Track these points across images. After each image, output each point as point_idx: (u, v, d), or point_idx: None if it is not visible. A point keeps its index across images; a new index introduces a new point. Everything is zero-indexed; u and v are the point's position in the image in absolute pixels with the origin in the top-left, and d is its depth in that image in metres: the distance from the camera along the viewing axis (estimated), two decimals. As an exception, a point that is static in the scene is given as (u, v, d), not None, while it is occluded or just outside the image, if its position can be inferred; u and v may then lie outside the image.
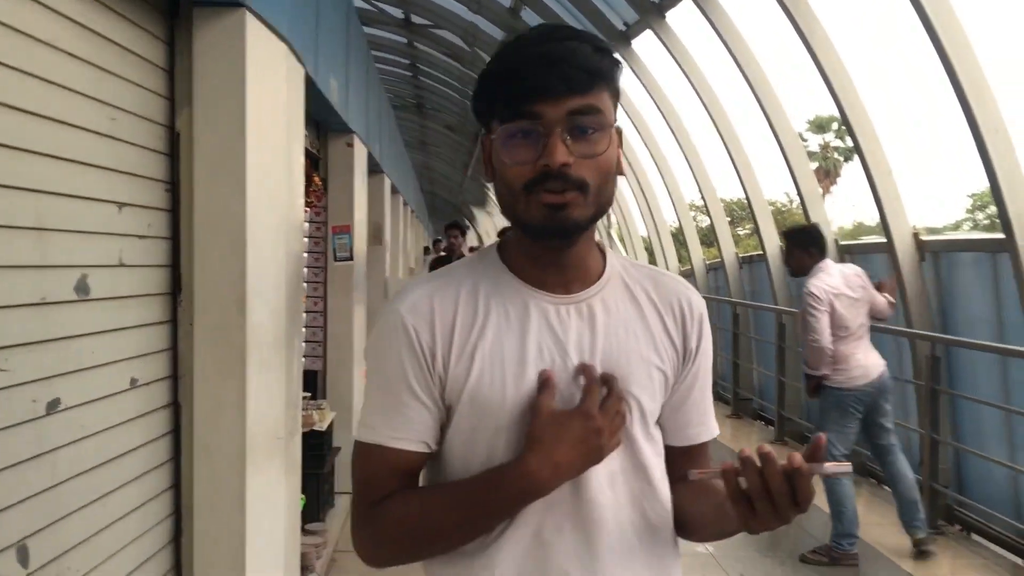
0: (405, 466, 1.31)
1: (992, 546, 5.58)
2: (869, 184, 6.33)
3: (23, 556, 2.03)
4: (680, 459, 1.41)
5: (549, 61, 1.21)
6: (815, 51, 6.27)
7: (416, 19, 13.23)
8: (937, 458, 5.75)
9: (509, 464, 1.23)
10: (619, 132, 1.29)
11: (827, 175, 60.14)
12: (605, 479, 1.29)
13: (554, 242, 1.28)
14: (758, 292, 10.06)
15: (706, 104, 8.84)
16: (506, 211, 1.30)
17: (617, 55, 1.29)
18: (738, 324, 9.94)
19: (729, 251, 10.38)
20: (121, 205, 2.53)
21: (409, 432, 1.30)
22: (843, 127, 57.18)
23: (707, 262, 12.03)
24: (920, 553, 5.18)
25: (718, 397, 10.23)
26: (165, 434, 2.86)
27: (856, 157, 6.37)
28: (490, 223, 35.22)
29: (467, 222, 40.98)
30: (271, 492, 3.26)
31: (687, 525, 1.39)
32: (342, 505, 5.73)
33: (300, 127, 3.79)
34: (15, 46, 2.00)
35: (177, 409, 2.91)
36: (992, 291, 5.75)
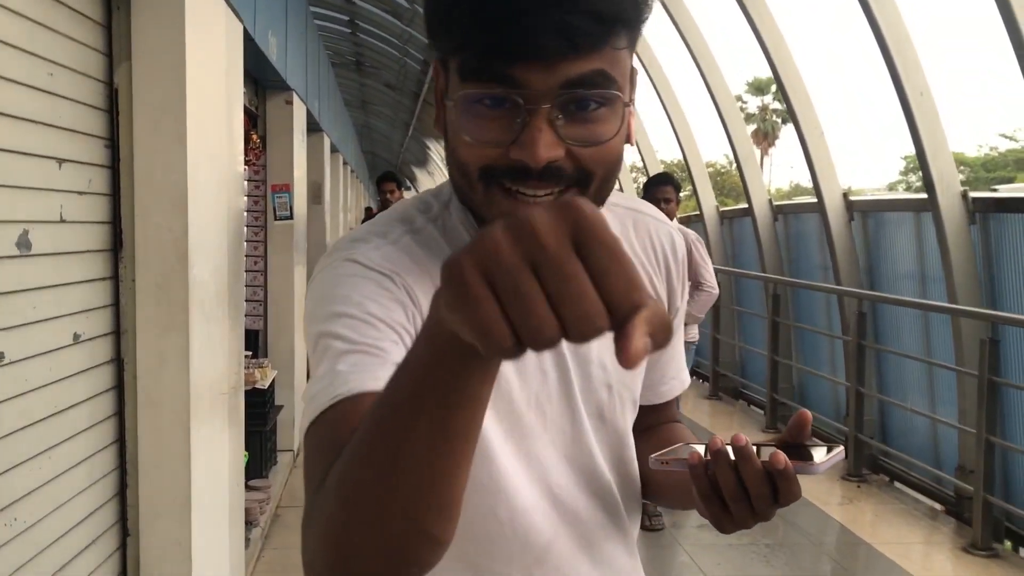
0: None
1: (913, 493, 5.86)
2: (801, 146, 6.50)
3: (-27, 505, 2.07)
4: (649, 414, 1.19)
5: (546, 2, 0.80)
6: (750, 13, 6.39)
7: (354, -26, 13.04)
8: (862, 410, 6.00)
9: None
10: (632, 101, 0.92)
11: (765, 137, 60.90)
12: (595, 416, 1.06)
13: None
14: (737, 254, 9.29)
15: (645, 65, 8.93)
16: (458, 192, 0.97)
17: None
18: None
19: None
20: (61, 161, 2.53)
21: (381, 358, 0.89)
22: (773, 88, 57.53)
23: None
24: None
25: (695, 375, 9.02)
26: (109, 389, 2.88)
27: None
28: (431, 183, 35.06)
29: (406, 180, 40.62)
30: (215, 446, 3.31)
31: (648, 488, 1.17)
32: (284, 462, 5.78)
33: (239, 83, 3.79)
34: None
35: (120, 364, 2.93)
36: (916, 249, 5.98)
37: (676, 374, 1.20)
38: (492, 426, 0.97)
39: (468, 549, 0.98)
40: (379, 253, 0.94)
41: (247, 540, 4.14)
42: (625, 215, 1.10)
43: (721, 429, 6.96)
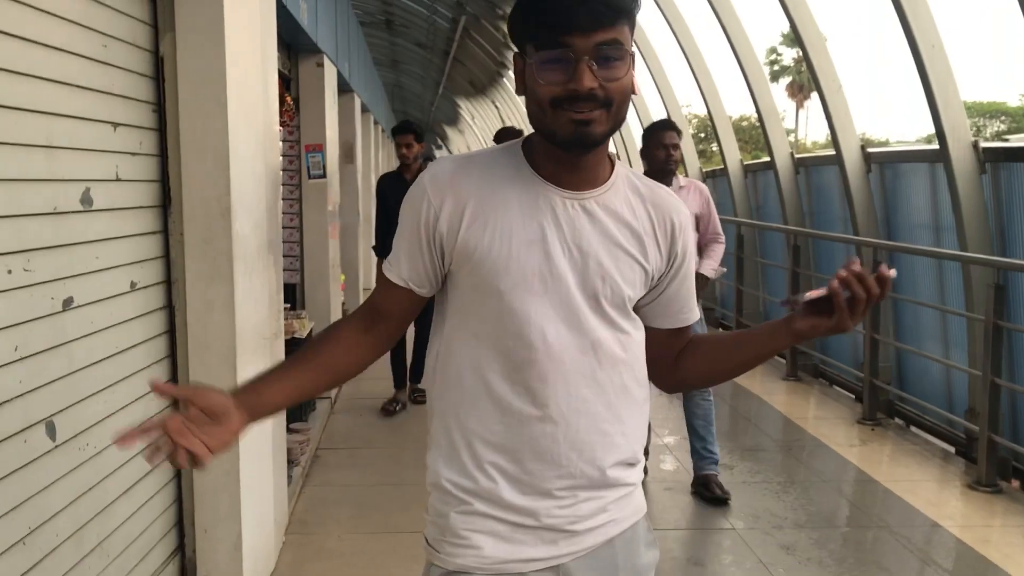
0: (391, 296, 1.60)
1: (927, 436, 6.06)
2: (820, 99, 6.62)
3: (51, 431, 2.35)
4: (672, 336, 1.69)
5: (582, 0, 1.39)
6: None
7: (383, -66, 13.13)
8: (878, 357, 6.18)
9: None
10: (633, 57, 1.48)
11: (800, 89, 60.13)
12: (590, 345, 1.53)
13: (577, 151, 1.48)
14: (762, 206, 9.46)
15: (669, 20, 9.03)
16: (535, 122, 1.49)
17: None
18: (743, 247, 8.97)
19: (696, 169, 10.65)
20: (116, 125, 2.79)
21: (397, 268, 1.58)
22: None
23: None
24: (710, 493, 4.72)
25: (718, 325, 9.69)
26: (162, 333, 3.17)
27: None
28: (462, 141, 35.13)
29: (434, 136, 40.45)
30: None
31: (708, 374, 1.73)
32: (322, 408, 6.10)
33: (273, 48, 4.02)
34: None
35: (172, 311, 3.21)
36: (930, 199, 6.11)
37: (686, 307, 1.68)
38: (504, 281, 1.50)
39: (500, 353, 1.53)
40: (439, 174, 1.55)
41: (289, 477, 4.44)
42: (645, 185, 1.61)
43: (743, 376, 7.14)
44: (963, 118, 5.29)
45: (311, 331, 5.68)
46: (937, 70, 5.19)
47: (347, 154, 8.01)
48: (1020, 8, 4.37)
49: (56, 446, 2.38)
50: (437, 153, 42.72)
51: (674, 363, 1.71)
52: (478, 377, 1.54)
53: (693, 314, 1.69)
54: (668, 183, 4.61)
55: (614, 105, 1.44)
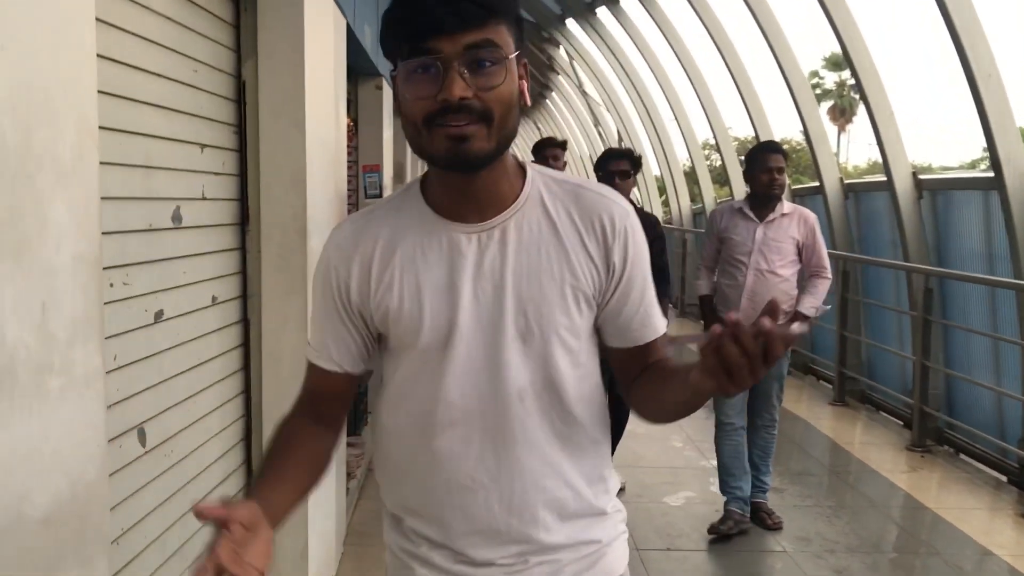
0: (327, 382, 1.49)
1: (977, 464, 6.02)
2: (872, 125, 6.64)
3: (143, 437, 2.47)
4: (632, 357, 1.48)
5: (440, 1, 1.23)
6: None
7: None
8: (927, 383, 6.17)
9: None
10: (524, 64, 1.33)
11: (842, 113, 59.75)
12: (514, 394, 1.37)
13: (460, 172, 1.32)
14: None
15: (717, 43, 9.10)
16: (413, 146, 1.33)
17: None
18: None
19: (742, 190, 10.69)
20: (203, 146, 2.92)
21: (326, 353, 1.46)
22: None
23: (718, 201, 12.35)
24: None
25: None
26: (237, 346, 3.29)
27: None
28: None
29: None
30: (325, 400, 3.70)
31: (651, 407, 1.47)
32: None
33: (343, 73, 4.16)
34: (122, 11, 2.36)
35: (247, 324, 3.33)
36: (984, 227, 6.10)
37: (643, 323, 1.46)
38: (418, 339, 1.39)
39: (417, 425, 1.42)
40: (337, 244, 1.46)
41: (347, 490, 4.54)
42: (568, 190, 1.42)
43: (790, 400, 7.15)
44: (1019, 146, 5.29)
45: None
46: (993, 99, 5.21)
47: (399, 174, 8.16)
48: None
49: (146, 452, 2.50)
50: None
51: (629, 387, 1.51)
52: (401, 445, 1.45)
53: (650, 330, 1.47)
54: (772, 208, 4.44)
55: (495, 118, 1.27)
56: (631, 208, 1.46)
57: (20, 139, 1.50)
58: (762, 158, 4.44)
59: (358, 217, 1.46)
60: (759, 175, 4.42)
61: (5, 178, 1.45)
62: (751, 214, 4.49)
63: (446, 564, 1.43)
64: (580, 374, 1.43)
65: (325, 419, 1.52)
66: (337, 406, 1.54)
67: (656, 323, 1.49)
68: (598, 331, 1.47)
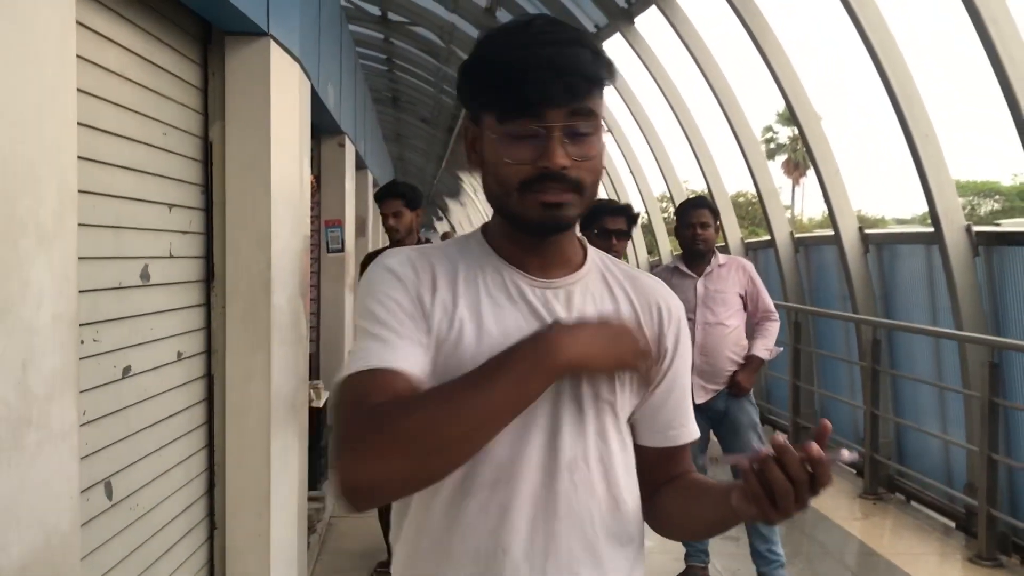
0: (402, 388, 1.20)
1: (927, 510, 6.18)
2: (819, 181, 6.90)
3: (109, 491, 2.52)
4: (661, 460, 1.42)
5: (556, 69, 1.22)
6: (766, 54, 6.82)
7: (393, 16, 13.64)
8: (878, 431, 6.34)
9: (534, 332, 1.22)
10: (602, 131, 1.34)
11: (796, 167, 61.04)
12: (565, 464, 1.28)
13: (546, 236, 1.32)
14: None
15: (669, 100, 9.38)
16: (496, 203, 1.31)
17: (608, 57, 1.33)
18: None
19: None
20: (171, 206, 3.01)
21: (407, 355, 1.23)
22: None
23: (673, 253, 12.61)
24: None
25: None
26: (201, 401, 3.34)
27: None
28: (463, 215, 35.60)
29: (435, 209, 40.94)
30: (288, 455, 3.76)
31: (675, 522, 1.42)
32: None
33: (308, 134, 4.28)
34: (97, 78, 2.47)
35: (211, 380, 3.39)
36: (927, 279, 6.34)
37: (682, 422, 1.43)
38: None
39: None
40: (400, 257, 1.34)
41: (308, 543, 4.57)
42: (624, 271, 1.43)
43: (746, 451, 7.26)
44: (956, 202, 5.55)
45: (326, 401, 5.84)
46: (930, 157, 5.46)
47: (360, 228, 8.27)
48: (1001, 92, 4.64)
49: (112, 505, 2.54)
50: (437, 225, 43.09)
51: (650, 496, 1.42)
52: (429, 501, 1.29)
53: (687, 432, 1.43)
54: (708, 261, 4.45)
55: (586, 189, 1.27)
56: (683, 305, 1.46)
57: (4, 206, 1.59)
58: (687, 214, 4.48)
59: (416, 249, 1.38)
60: (684, 230, 4.46)
61: (-9, 243, 1.54)
62: (688, 270, 4.49)
63: None
64: (627, 459, 1.37)
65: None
66: None
67: (692, 427, 1.44)
68: (632, 426, 1.41)
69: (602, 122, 1.30)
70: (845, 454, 1.12)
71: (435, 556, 1.30)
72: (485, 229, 1.40)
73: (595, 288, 1.38)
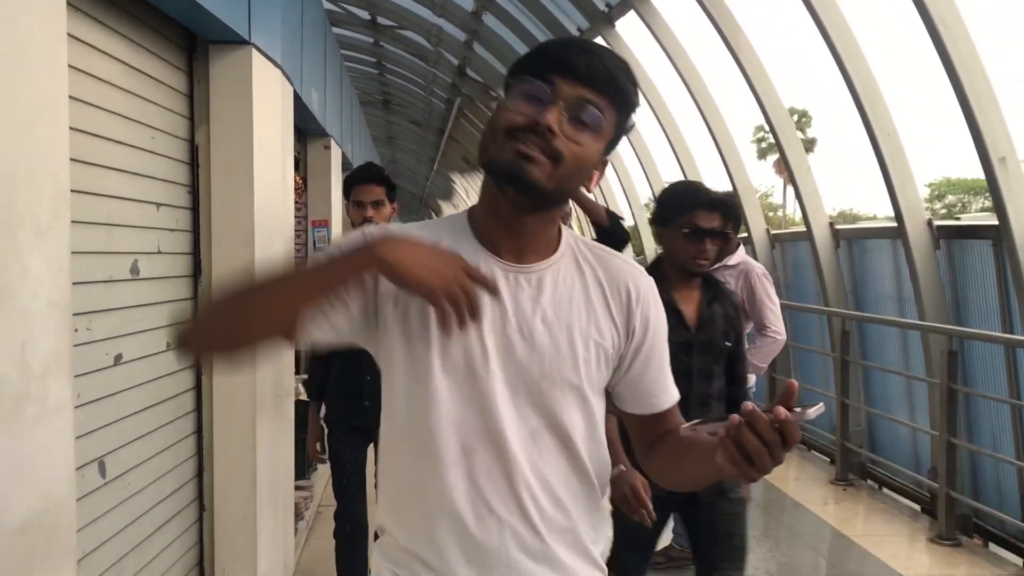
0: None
1: (897, 496, 6.39)
2: (791, 181, 7.11)
3: (102, 470, 2.71)
4: (649, 423, 1.54)
5: (585, 50, 1.33)
6: (742, 63, 7.04)
7: (382, 20, 13.83)
8: (848, 420, 6.55)
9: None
10: (605, 162, 1.41)
11: (786, 167, 61.33)
12: (527, 435, 1.40)
13: (509, 190, 1.34)
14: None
15: (651, 104, 9.59)
16: (481, 153, 1.36)
17: (639, 95, 1.42)
18: None
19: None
20: (159, 205, 3.21)
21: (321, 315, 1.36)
22: (803, 119, 57.73)
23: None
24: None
25: None
26: (189, 389, 3.54)
27: (814, 149, 7.11)
28: (456, 215, 35.73)
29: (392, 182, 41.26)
30: (274, 441, 3.95)
31: (669, 476, 1.53)
32: (323, 469, 6.41)
33: (291, 137, 4.48)
34: (88, 86, 2.66)
35: (199, 369, 3.58)
36: (893, 272, 6.56)
37: (662, 389, 1.53)
38: (437, 362, 1.38)
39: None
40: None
41: (296, 529, 4.76)
42: (597, 255, 1.49)
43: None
44: (918, 198, 5.76)
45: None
46: (893, 156, 5.67)
47: (347, 229, 8.46)
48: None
49: (105, 483, 2.74)
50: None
51: (646, 453, 1.57)
52: (410, 468, 1.43)
53: (668, 397, 1.54)
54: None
55: (563, 164, 1.31)
56: (653, 282, 1.52)
57: (5, 202, 1.79)
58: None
59: (409, 225, 1.51)
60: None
61: (-7, 235, 1.74)
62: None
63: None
64: (591, 431, 1.45)
65: None
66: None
67: (672, 391, 1.55)
68: (612, 397, 1.52)
69: (605, 136, 1.36)
70: (811, 412, 1.20)
71: (417, 516, 1.42)
72: (471, 212, 1.47)
73: (566, 272, 1.44)
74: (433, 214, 43.11)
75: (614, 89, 1.34)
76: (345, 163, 7.88)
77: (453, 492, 1.38)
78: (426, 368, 1.38)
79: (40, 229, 1.92)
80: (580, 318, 1.42)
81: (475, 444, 1.38)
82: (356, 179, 3.78)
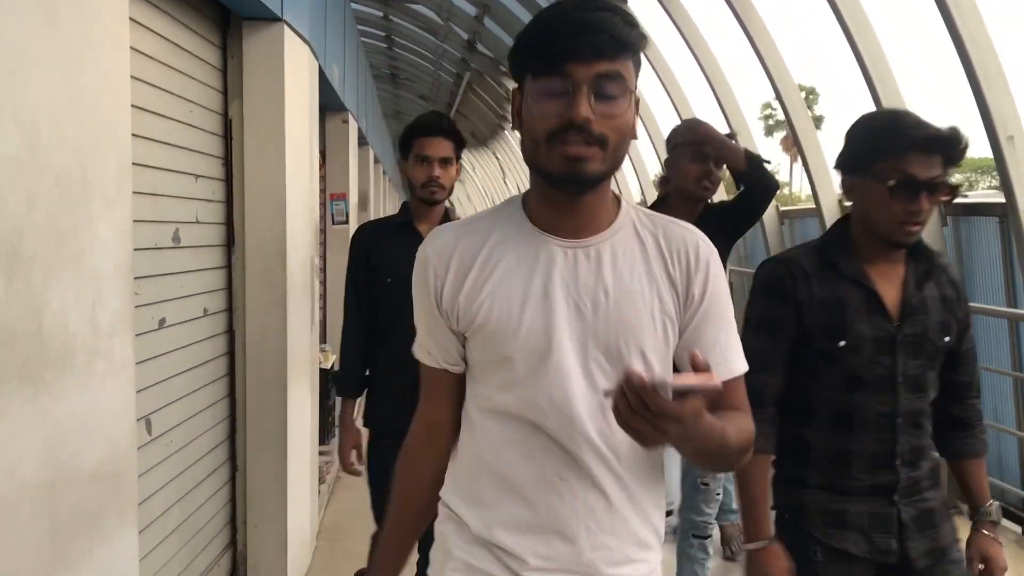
0: (432, 379, 1.55)
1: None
2: (801, 156, 7.21)
3: (148, 426, 2.86)
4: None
5: (583, 27, 1.30)
6: (752, 37, 7.11)
7: (393, -6, 13.85)
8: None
9: None
10: (637, 101, 1.38)
11: (794, 143, 61.22)
12: (596, 406, 1.40)
13: (570, 190, 1.38)
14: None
15: (664, 83, 9.67)
16: (529, 159, 1.40)
17: (643, 29, 1.39)
18: (732, 295, 10.11)
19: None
20: (197, 176, 3.34)
21: (425, 349, 1.54)
22: (810, 96, 57.42)
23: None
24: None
25: None
26: (224, 354, 3.68)
27: (822, 126, 7.19)
28: (461, 192, 35.82)
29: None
30: (303, 405, 4.11)
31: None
32: (341, 436, 6.59)
33: (316, 111, 4.60)
34: (136, 62, 2.78)
35: (232, 335, 3.73)
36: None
37: (725, 359, 1.46)
38: (509, 346, 1.42)
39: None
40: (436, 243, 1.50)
41: (319, 492, 4.93)
42: (658, 222, 1.48)
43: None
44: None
45: (333, 364, 6.19)
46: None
47: (362, 202, 8.59)
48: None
49: (152, 439, 2.89)
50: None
51: None
52: (487, 442, 1.48)
53: (726, 368, 1.45)
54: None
55: (610, 144, 1.34)
56: (714, 248, 1.49)
57: (79, 173, 1.92)
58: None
59: (458, 225, 1.52)
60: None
61: (70, 203, 1.87)
62: None
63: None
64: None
65: (435, 427, 1.56)
66: (444, 405, 1.55)
67: (734, 365, 1.48)
68: (677, 364, 1.47)
69: (632, 89, 1.36)
70: (684, 380, 1.18)
71: (494, 482, 1.46)
72: (524, 198, 1.49)
73: (627, 243, 1.44)
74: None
75: (625, 49, 1.34)
76: (360, 137, 8.00)
77: (546, 461, 1.42)
78: (496, 353, 1.43)
79: (108, 198, 2.05)
80: (643, 288, 1.42)
81: (548, 420, 1.41)
82: (421, 129, 3.07)
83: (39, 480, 1.75)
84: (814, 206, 7.39)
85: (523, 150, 1.42)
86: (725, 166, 3.23)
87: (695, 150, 3.19)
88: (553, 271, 1.41)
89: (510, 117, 1.45)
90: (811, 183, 7.15)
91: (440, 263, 1.47)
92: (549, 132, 1.33)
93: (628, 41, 1.34)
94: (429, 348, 1.53)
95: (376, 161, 11.17)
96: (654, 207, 2.95)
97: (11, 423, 1.64)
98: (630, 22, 1.35)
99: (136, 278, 2.75)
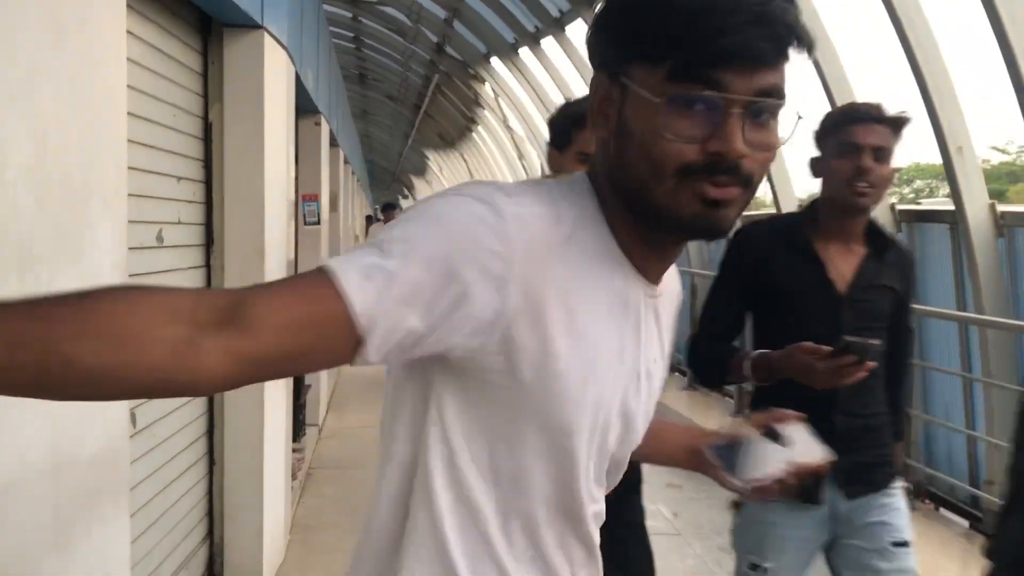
0: (335, 333, 0.89)
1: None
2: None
3: (133, 420, 2.96)
4: None
5: (764, 19, 0.92)
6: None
7: (361, -4, 13.96)
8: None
9: None
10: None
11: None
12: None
13: (697, 238, 1.02)
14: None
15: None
16: (635, 186, 0.99)
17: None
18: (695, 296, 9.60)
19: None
20: (179, 178, 3.45)
21: (383, 321, 0.89)
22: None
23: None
24: None
25: (675, 370, 9.10)
26: (202, 351, 3.78)
27: None
28: (429, 191, 35.91)
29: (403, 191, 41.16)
30: (277, 403, 4.22)
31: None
32: (311, 434, 6.69)
33: (292, 115, 4.71)
34: (128, 70, 2.88)
35: (211, 333, 3.83)
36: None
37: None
38: (571, 409, 1.01)
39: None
40: (510, 217, 0.94)
41: (291, 487, 5.03)
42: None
43: (698, 416, 7.81)
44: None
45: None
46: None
47: (333, 203, 8.69)
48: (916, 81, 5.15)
49: (137, 432, 2.99)
50: (403, 203, 43.06)
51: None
52: (505, 533, 1.04)
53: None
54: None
55: (753, 184, 0.98)
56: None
57: (81, 176, 2.03)
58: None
59: (536, 196, 1.00)
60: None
61: (74, 205, 1.99)
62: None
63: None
64: None
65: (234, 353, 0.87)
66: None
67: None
68: None
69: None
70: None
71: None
72: (608, 217, 1.04)
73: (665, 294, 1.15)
74: (405, 190, 43.10)
75: (793, 42, 0.96)
76: (331, 139, 8.10)
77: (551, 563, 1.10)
78: (551, 410, 1.04)
79: (106, 200, 2.16)
80: (669, 343, 1.18)
81: (581, 512, 1.10)
82: (574, 122, 2.35)
83: (45, 464, 1.86)
84: (775, 212, 7.61)
85: (619, 172, 1.01)
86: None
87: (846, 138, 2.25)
88: (640, 326, 1.08)
89: (590, 114, 1.04)
90: (772, 188, 7.37)
91: (510, 250, 0.95)
92: (684, 165, 0.95)
93: (806, 37, 0.97)
94: (376, 308, 0.89)
95: (346, 162, 11.26)
96: (798, 227, 2.32)
97: (22, 409, 1.75)
98: (798, 10, 0.98)
99: (129, 276, 2.87)
